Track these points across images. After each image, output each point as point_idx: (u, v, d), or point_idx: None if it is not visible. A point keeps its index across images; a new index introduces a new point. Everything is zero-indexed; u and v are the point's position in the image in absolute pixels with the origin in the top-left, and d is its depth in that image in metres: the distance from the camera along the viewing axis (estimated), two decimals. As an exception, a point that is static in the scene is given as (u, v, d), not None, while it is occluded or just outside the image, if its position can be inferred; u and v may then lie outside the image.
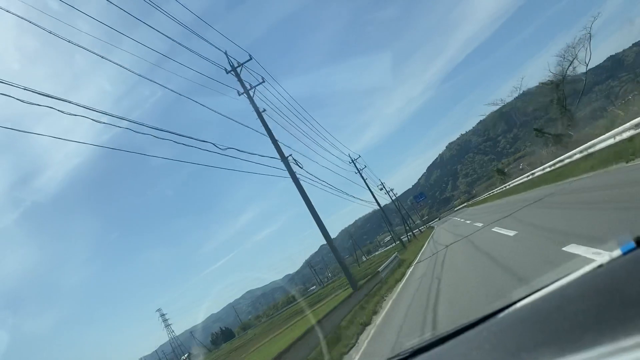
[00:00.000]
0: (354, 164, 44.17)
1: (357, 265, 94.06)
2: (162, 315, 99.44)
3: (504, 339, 1.09)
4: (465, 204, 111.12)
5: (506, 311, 1.26)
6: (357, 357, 9.04)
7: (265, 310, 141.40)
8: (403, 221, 58.72)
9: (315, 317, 13.83)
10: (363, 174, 45.57)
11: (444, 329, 1.46)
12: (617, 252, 1.11)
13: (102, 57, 11.17)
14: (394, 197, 67.24)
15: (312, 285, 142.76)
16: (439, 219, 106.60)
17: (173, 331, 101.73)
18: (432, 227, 71.23)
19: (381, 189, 61.04)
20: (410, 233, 62.95)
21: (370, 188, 46.47)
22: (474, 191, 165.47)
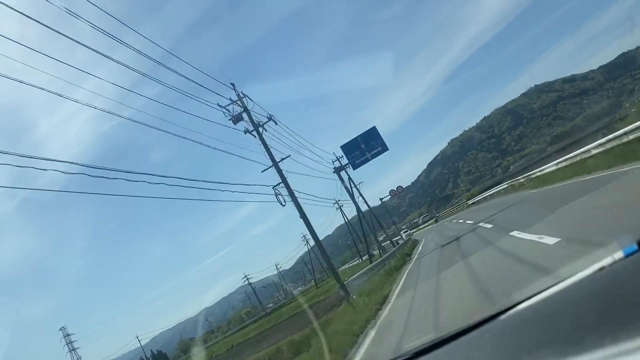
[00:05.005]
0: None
1: (315, 286, 70.69)
2: (67, 336, 70.18)
3: (505, 340, 1.08)
4: (483, 194, 49.31)
5: (508, 313, 1.27)
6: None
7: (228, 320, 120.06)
8: (378, 235, 41.65)
9: None
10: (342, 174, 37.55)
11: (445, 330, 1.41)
12: (618, 254, 1.10)
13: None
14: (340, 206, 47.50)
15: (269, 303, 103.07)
16: (436, 221, 71.39)
17: (80, 357, 71.55)
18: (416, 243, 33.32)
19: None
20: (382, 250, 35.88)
21: (352, 193, 38.16)
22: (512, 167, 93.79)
